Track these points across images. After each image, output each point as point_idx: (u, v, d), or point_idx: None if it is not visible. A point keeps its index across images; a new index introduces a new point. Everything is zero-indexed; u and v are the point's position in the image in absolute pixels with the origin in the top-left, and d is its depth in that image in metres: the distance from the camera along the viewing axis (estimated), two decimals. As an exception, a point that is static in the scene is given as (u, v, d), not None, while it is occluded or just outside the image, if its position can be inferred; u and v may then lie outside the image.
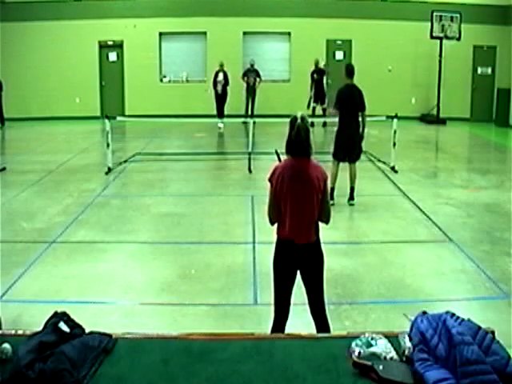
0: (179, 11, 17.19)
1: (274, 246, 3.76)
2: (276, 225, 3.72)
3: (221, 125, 15.17)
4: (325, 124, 15.55)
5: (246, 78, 16.55)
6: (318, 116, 15.41)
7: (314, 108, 15.97)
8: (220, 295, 5.27)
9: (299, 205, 3.59)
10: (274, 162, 3.89)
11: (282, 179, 3.58)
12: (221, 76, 15.64)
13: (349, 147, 8.10)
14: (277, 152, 3.90)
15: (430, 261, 6.16)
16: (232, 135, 14.78)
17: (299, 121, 3.58)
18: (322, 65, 16.23)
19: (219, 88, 15.62)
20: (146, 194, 9.02)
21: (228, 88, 15.79)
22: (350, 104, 7.95)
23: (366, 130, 8.23)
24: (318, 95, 16.01)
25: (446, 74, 16.96)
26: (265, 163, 9.07)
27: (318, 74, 16.04)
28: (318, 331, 3.71)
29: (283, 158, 3.78)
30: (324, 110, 16.02)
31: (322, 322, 3.79)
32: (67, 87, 17.25)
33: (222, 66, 15.64)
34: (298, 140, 3.57)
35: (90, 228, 7.21)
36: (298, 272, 3.75)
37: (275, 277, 3.76)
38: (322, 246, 3.77)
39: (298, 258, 3.68)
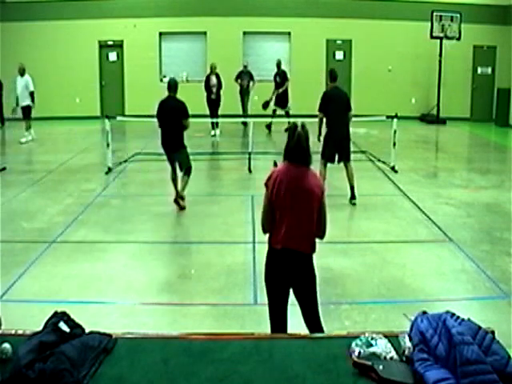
0: (179, 11, 17.19)
1: (265, 255, 3.63)
2: (268, 234, 3.59)
3: (217, 132, 14.61)
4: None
5: (239, 81, 15.80)
6: (280, 116, 14.54)
7: (274, 110, 14.93)
8: (220, 295, 5.27)
9: (295, 211, 3.46)
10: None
11: (280, 183, 3.46)
12: (214, 80, 14.39)
13: (340, 146, 8.31)
14: (275, 163, 3.76)
15: (430, 261, 6.16)
16: (231, 135, 14.75)
17: (299, 129, 3.50)
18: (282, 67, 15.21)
19: (214, 92, 14.37)
20: (146, 194, 9.02)
21: (221, 92, 14.52)
22: (339, 104, 8.22)
23: (351, 130, 8.51)
24: (280, 99, 14.81)
25: (445, 73, 16.96)
26: (265, 163, 9.09)
27: (280, 76, 14.94)
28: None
29: (280, 163, 3.67)
30: (287, 113, 14.73)
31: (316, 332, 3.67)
32: (67, 87, 17.25)
33: (214, 68, 14.42)
34: (299, 148, 3.49)
35: (89, 228, 7.21)
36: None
37: (268, 292, 3.63)
38: (315, 260, 3.65)
39: (289, 270, 3.53)
